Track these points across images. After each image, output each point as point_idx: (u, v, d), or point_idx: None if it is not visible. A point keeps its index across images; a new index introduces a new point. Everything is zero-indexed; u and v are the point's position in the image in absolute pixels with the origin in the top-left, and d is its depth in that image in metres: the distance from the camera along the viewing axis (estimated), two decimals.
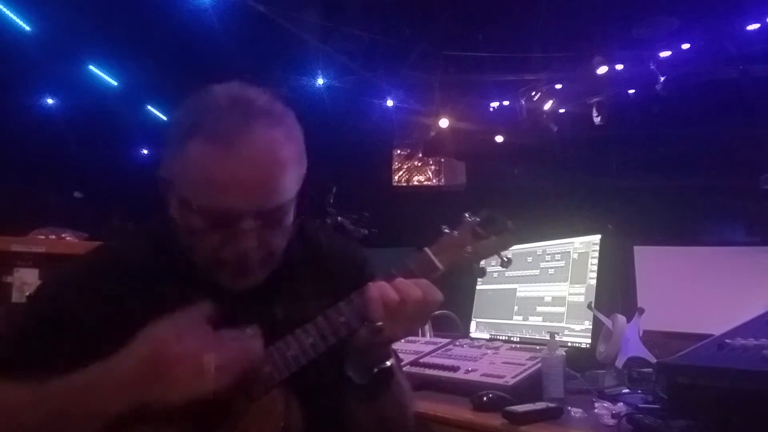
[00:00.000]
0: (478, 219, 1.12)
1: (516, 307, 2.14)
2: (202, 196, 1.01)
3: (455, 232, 1.11)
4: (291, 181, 1.04)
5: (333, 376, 1.12)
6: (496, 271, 2.26)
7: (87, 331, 1.07)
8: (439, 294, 1.07)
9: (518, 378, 1.64)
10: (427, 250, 1.09)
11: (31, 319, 1.13)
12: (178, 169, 1.02)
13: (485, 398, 1.54)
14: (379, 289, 1.04)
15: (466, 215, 1.12)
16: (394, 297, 1.03)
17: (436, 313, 1.64)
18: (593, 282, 1.89)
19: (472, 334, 2.26)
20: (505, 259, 1.13)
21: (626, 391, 1.65)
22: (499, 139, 5.07)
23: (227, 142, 0.99)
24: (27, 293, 2.32)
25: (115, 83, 4.39)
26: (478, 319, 2.28)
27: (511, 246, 1.14)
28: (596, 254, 1.92)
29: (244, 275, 1.08)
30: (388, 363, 1.11)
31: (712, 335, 1.40)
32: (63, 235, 2.58)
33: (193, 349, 0.97)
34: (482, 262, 1.14)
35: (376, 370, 1.10)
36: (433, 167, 5.45)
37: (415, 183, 5.49)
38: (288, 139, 1.05)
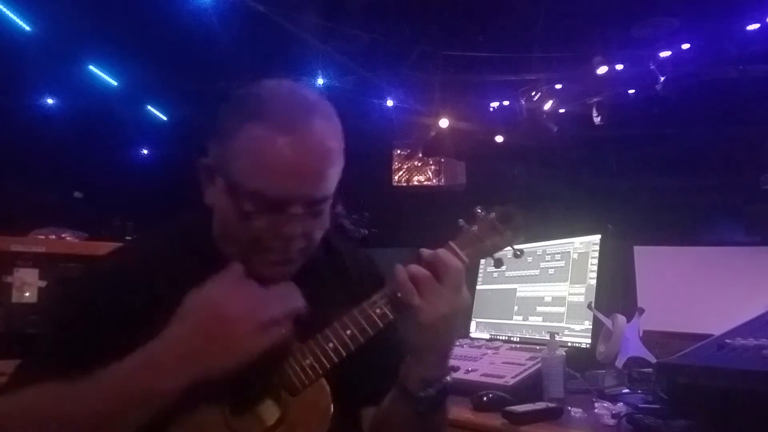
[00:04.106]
0: (494, 214, 1.15)
1: (516, 307, 2.14)
2: (257, 179, 1.02)
3: (474, 227, 1.13)
4: (336, 174, 1.08)
5: (363, 377, 1.13)
6: (496, 271, 2.26)
7: (120, 329, 1.04)
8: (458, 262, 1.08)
9: (518, 378, 1.64)
10: (452, 243, 1.11)
11: (69, 320, 1.10)
12: (232, 151, 1.03)
13: (485, 398, 1.54)
14: (405, 270, 1.06)
15: (479, 210, 1.15)
16: (422, 272, 1.05)
17: None
18: (593, 282, 1.89)
19: (472, 334, 2.26)
20: (518, 252, 1.16)
21: (626, 391, 1.65)
22: (499, 139, 5.07)
23: (288, 129, 1.01)
24: (27, 293, 2.32)
25: (115, 83, 4.39)
26: (478, 319, 2.28)
27: (522, 238, 1.17)
28: (596, 254, 1.92)
29: (284, 263, 1.09)
30: (448, 378, 1.11)
31: (712, 335, 1.41)
32: (63, 235, 2.58)
33: (247, 307, 0.99)
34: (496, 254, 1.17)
35: (432, 388, 1.08)
36: (433, 167, 5.44)
37: (415, 183, 5.48)
38: (336, 133, 1.08)
